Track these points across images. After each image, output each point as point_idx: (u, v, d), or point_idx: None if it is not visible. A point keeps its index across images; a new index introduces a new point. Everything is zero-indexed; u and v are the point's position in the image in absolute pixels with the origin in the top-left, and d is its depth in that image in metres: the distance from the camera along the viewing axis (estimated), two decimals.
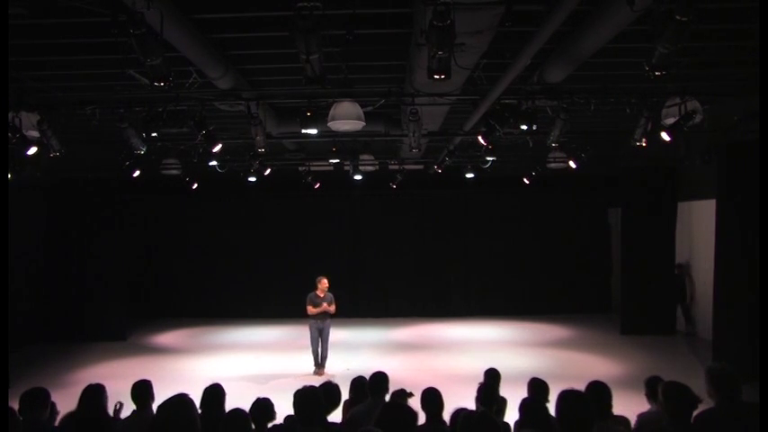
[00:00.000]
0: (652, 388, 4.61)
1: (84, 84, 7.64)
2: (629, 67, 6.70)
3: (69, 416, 4.14)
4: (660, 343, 12.77)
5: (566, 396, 3.60)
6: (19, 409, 4.41)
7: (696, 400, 3.83)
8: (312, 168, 13.89)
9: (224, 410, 4.67)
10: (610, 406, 4.33)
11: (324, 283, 11.02)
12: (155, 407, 4.75)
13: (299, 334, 14.60)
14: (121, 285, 14.39)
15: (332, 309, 10.97)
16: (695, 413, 3.84)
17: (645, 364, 11.03)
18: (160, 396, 4.81)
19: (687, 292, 13.79)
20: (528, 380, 5.51)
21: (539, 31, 5.02)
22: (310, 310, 10.85)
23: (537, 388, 5.32)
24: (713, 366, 4.10)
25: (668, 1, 4.13)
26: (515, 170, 14.32)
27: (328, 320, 11.03)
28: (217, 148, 8.82)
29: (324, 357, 11.06)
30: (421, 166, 14.25)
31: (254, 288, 16.36)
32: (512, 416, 5.21)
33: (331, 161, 12.93)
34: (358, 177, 12.78)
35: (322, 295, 10.94)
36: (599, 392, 4.31)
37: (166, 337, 14.45)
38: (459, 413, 4.64)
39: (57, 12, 5.18)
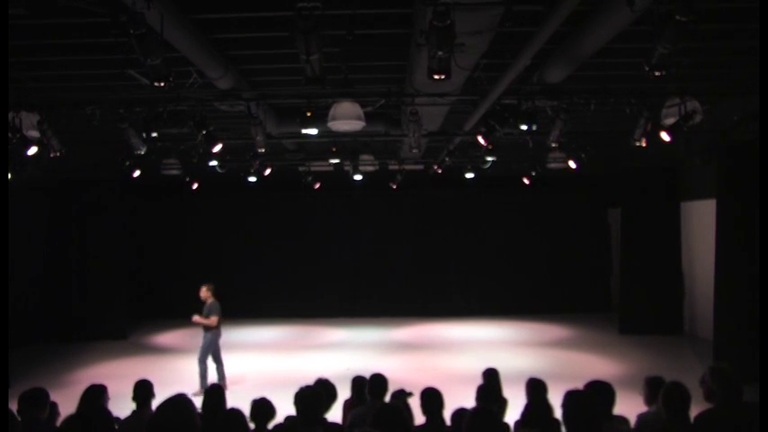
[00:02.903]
0: (652, 388, 4.61)
1: (84, 84, 7.64)
2: (629, 67, 6.70)
3: (71, 418, 4.13)
4: (660, 342, 12.76)
5: (572, 396, 3.58)
6: (18, 410, 4.40)
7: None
8: (312, 168, 13.90)
9: (224, 410, 4.67)
10: (612, 406, 4.33)
11: (201, 291, 10.05)
12: (155, 407, 4.76)
13: (298, 334, 14.68)
14: (122, 285, 14.39)
15: (206, 321, 9.81)
16: (696, 413, 3.83)
17: (644, 363, 11.02)
18: (160, 396, 4.82)
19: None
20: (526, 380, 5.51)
21: (539, 31, 5.02)
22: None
23: (534, 389, 5.31)
24: (716, 366, 4.09)
25: (668, 1, 4.13)
26: (515, 170, 14.32)
27: (207, 333, 9.87)
28: (217, 148, 8.82)
29: (200, 373, 9.74)
30: (421, 167, 14.24)
31: (253, 288, 16.34)
32: (512, 416, 5.21)
33: (331, 161, 12.92)
34: (358, 177, 12.77)
35: (205, 305, 9.99)
36: (602, 392, 4.31)
37: (167, 337, 14.44)
38: (460, 413, 4.64)
39: (57, 12, 5.17)
